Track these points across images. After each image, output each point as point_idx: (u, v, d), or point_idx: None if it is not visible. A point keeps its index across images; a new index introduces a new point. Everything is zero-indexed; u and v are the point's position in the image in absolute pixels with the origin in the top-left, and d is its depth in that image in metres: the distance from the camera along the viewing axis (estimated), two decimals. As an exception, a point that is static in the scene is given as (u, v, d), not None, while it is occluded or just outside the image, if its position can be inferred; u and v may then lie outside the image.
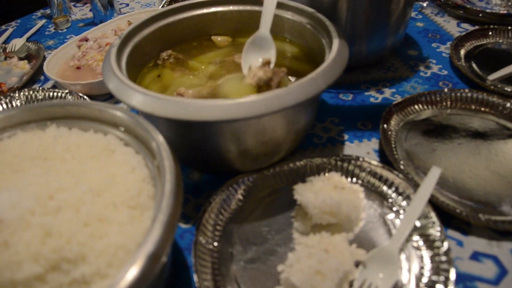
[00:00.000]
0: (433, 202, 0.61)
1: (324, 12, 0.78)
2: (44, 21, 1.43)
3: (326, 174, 0.65)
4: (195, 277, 0.53)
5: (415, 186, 0.63)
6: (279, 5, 0.80)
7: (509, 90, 0.87)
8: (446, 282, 0.52)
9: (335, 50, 0.64)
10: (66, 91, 0.95)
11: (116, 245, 0.42)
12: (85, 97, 0.92)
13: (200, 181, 0.71)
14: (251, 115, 0.54)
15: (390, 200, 0.64)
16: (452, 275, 0.52)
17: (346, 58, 0.64)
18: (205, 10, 0.86)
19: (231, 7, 0.86)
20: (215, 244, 0.59)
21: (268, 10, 0.74)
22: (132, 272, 0.36)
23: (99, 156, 0.53)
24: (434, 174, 0.63)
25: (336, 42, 0.66)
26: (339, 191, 0.61)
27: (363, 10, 0.85)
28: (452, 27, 1.17)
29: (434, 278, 0.53)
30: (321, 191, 0.60)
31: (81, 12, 1.49)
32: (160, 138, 0.50)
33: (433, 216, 0.59)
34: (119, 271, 0.37)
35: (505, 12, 1.12)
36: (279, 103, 0.54)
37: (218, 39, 0.86)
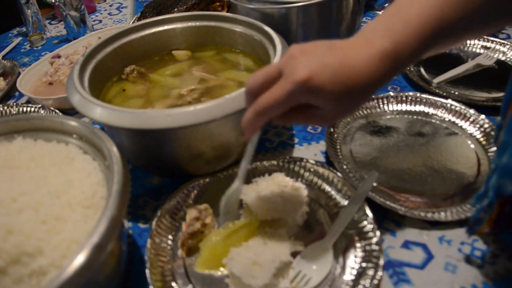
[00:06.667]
0: (370, 199, 0.67)
1: (276, 25, 0.84)
2: (20, 39, 1.49)
3: (271, 175, 0.71)
4: (147, 273, 0.58)
5: (354, 184, 0.69)
6: (231, 20, 0.88)
7: (451, 91, 0.94)
8: (376, 268, 0.57)
9: (276, 61, 0.70)
10: (39, 106, 1.00)
11: (70, 240, 0.48)
12: (56, 111, 0.98)
13: (160, 185, 0.77)
14: (195, 122, 0.60)
15: (330, 197, 0.70)
16: (381, 261, 0.58)
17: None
18: (165, 27, 0.92)
19: (189, 23, 0.92)
20: (169, 242, 0.65)
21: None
22: (79, 260, 0.42)
23: (60, 164, 0.59)
24: (372, 177, 0.69)
25: (278, 53, 0.72)
26: (282, 189, 0.66)
27: (313, 21, 0.91)
28: (406, 34, 1.24)
29: (365, 265, 0.59)
30: (265, 190, 0.66)
31: (56, 29, 1.55)
32: (111, 146, 0.56)
33: (367, 210, 0.64)
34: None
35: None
36: (220, 111, 0.61)
37: (178, 53, 0.93)
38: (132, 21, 1.42)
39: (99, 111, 0.63)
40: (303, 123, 0.67)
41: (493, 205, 0.54)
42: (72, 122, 0.62)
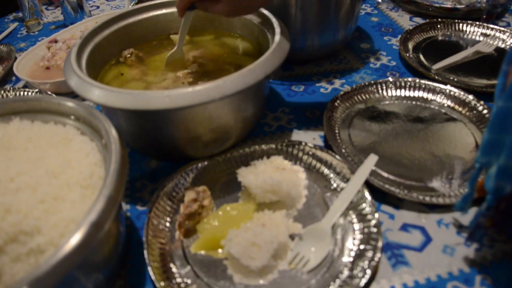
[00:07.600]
0: (369, 182, 0.67)
1: (275, 9, 0.84)
2: (16, 24, 1.48)
3: (270, 158, 0.71)
4: (145, 253, 0.58)
5: (353, 168, 0.69)
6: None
7: (450, 78, 0.94)
8: (374, 249, 0.58)
9: (275, 44, 0.70)
10: (36, 90, 0.99)
11: (68, 219, 0.48)
12: (53, 95, 0.97)
13: (158, 168, 0.77)
14: (194, 103, 0.59)
15: (329, 180, 0.70)
16: (380, 243, 0.58)
17: (286, 51, 0.70)
18: (164, 11, 0.91)
19: (188, 7, 0.91)
20: (167, 224, 0.65)
21: None
22: (76, 238, 0.42)
23: (57, 145, 0.59)
24: (371, 160, 0.69)
25: (277, 37, 0.72)
26: (280, 171, 0.67)
27: (312, 6, 0.91)
28: (404, 21, 1.24)
29: (364, 247, 0.59)
30: (263, 172, 0.66)
31: (53, 15, 1.53)
32: (109, 126, 0.56)
33: (366, 193, 0.65)
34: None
35: (452, 6, 1.19)
36: (219, 92, 0.60)
37: (176, 37, 0.92)
38: (130, 6, 1.41)
39: (97, 92, 0.63)
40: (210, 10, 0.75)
41: (492, 208, 0.54)
42: (69, 103, 0.62)
